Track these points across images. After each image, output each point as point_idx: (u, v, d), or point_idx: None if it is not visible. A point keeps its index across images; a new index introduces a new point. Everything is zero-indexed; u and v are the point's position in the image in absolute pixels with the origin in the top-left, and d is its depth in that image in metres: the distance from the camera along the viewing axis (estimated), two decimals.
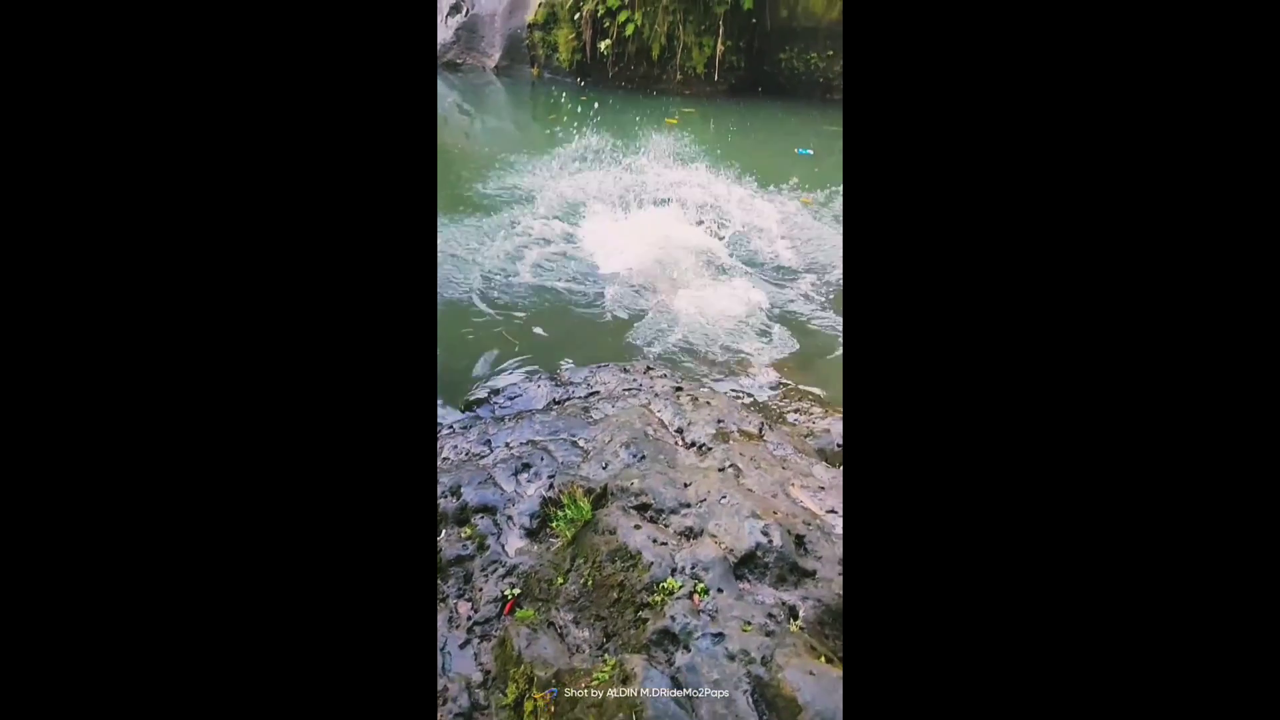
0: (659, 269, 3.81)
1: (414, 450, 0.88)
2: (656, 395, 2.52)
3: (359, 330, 0.86)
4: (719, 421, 2.31)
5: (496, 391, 2.80)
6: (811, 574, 1.65)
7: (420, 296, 0.90)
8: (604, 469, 2.07)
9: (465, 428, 2.51)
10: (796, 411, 2.78)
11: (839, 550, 1.73)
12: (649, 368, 2.81)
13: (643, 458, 2.08)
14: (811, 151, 6.09)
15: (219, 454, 0.81)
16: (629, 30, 7.62)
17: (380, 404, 0.87)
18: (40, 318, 0.78)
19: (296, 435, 0.83)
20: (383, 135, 0.88)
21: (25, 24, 0.77)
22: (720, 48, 7.65)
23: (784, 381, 2.99)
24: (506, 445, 2.29)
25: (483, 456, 2.27)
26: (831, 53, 7.64)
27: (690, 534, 1.72)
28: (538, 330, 3.34)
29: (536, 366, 3.02)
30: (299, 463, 0.83)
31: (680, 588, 1.56)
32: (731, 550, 1.64)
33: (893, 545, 0.82)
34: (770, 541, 1.65)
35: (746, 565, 1.62)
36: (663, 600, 1.53)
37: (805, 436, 2.59)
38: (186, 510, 0.80)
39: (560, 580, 1.72)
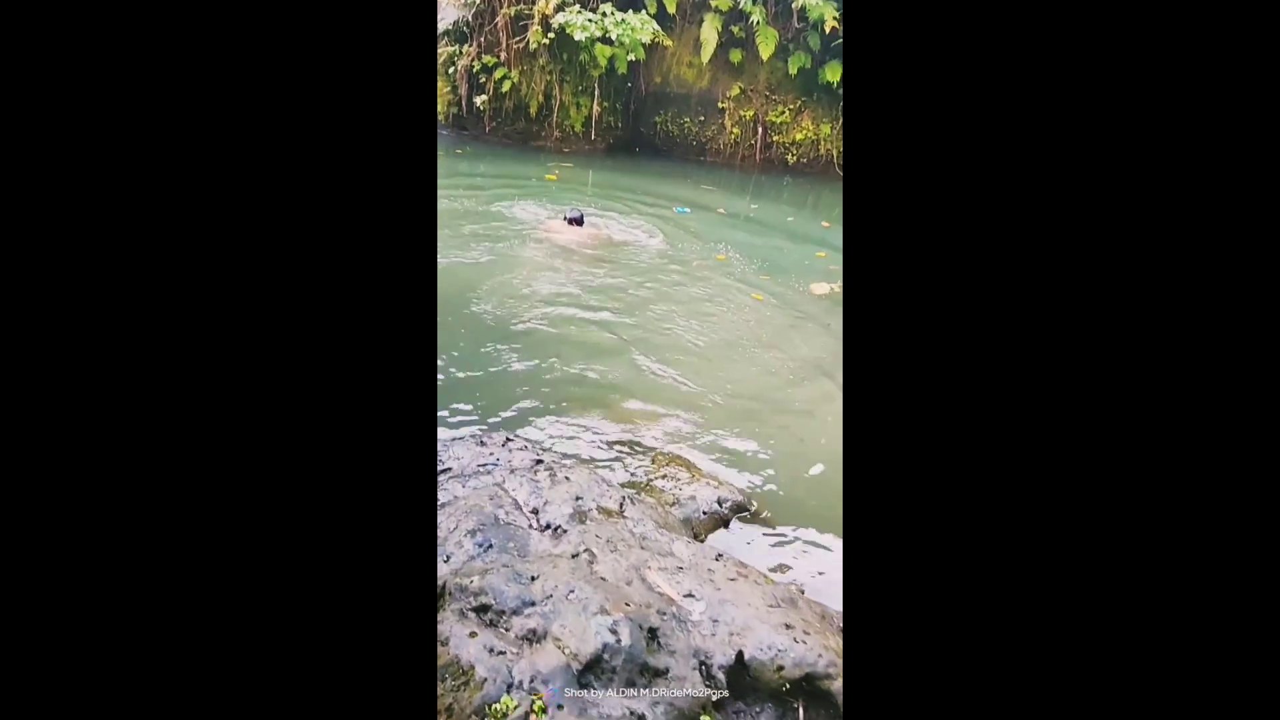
0: None
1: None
2: (513, 471, 2.35)
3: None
4: (577, 499, 2.17)
5: None
6: (664, 672, 1.52)
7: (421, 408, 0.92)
8: (445, 562, 1.87)
9: None
10: (664, 477, 2.70)
11: (694, 640, 1.62)
12: (508, 439, 2.64)
13: (489, 547, 1.90)
14: (689, 210, 6.27)
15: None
16: (505, 87, 7.63)
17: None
18: (41, 319, 0.77)
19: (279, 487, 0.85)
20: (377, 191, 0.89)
21: (25, 25, 0.78)
22: (597, 108, 7.83)
23: (652, 447, 2.91)
24: None
25: None
26: (704, 118, 8.02)
27: (533, 637, 1.56)
28: None
29: None
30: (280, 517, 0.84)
31: (516, 707, 1.38)
32: (576, 655, 1.49)
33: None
34: (619, 641, 1.51)
35: (592, 671, 1.47)
36: None
37: (670, 506, 2.51)
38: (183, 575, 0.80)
39: None
